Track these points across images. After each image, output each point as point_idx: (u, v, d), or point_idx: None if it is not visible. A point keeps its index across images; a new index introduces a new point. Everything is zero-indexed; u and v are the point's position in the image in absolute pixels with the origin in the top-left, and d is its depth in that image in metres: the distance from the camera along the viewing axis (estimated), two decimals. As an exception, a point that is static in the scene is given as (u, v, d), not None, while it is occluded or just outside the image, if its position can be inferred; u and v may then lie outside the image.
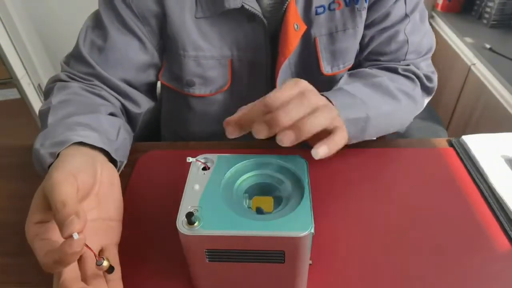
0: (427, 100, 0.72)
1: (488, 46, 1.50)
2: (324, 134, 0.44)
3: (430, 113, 0.72)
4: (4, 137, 1.59)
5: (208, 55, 0.64)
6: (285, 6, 0.60)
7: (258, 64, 0.66)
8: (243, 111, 0.43)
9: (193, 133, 0.76)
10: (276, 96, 0.41)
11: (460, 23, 1.73)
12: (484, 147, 0.61)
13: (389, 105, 0.60)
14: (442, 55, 1.79)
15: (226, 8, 0.58)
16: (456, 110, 1.69)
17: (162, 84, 0.72)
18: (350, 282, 0.44)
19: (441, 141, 0.65)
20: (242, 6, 0.58)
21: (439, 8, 1.87)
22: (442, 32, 1.81)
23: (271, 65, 0.66)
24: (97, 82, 0.61)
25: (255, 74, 0.67)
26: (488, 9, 1.67)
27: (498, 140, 0.62)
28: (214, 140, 0.66)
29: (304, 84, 0.44)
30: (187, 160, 0.43)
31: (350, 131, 0.54)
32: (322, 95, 0.53)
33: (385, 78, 0.62)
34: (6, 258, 0.48)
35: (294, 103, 0.40)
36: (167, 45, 0.65)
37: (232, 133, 0.43)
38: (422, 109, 0.70)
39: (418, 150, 0.63)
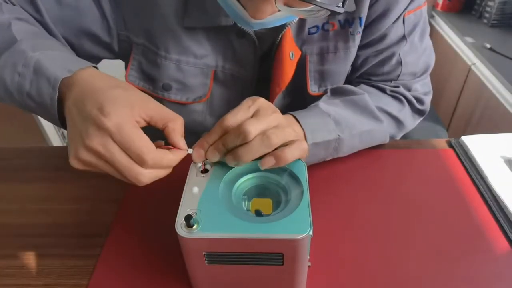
0: (418, 120, 0.70)
1: (488, 45, 1.50)
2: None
3: (430, 113, 0.71)
4: (5, 139, 1.59)
5: (191, 62, 0.61)
6: (280, 35, 0.58)
7: (242, 80, 0.63)
8: (203, 136, 0.45)
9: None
10: (231, 118, 0.43)
11: (460, 23, 1.73)
12: (484, 147, 0.61)
13: (366, 124, 0.58)
14: (442, 55, 1.79)
15: (217, 24, 0.57)
16: (457, 110, 1.69)
17: None
18: (349, 283, 0.44)
19: (441, 142, 0.65)
20: (235, 23, 0.56)
21: (439, 8, 1.87)
22: (442, 32, 1.81)
23: (256, 83, 0.64)
24: (40, 26, 0.55)
25: (236, 90, 0.65)
26: (488, 9, 1.67)
27: (497, 141, 0.62)
28: None
29: (260, 102, 0.45)
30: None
31: (321, 152, 0.55)
32: (291, 114, 0.53)
33: (365, 95, 0.60)
34: (6, 260, 0.49)
35: (256, 141, 0.42)
36: (143, 42, 0.60)
37: (198, 157, 0.44)
38: (411, 129, 0.69)
39: (417, 151, 0.63)
